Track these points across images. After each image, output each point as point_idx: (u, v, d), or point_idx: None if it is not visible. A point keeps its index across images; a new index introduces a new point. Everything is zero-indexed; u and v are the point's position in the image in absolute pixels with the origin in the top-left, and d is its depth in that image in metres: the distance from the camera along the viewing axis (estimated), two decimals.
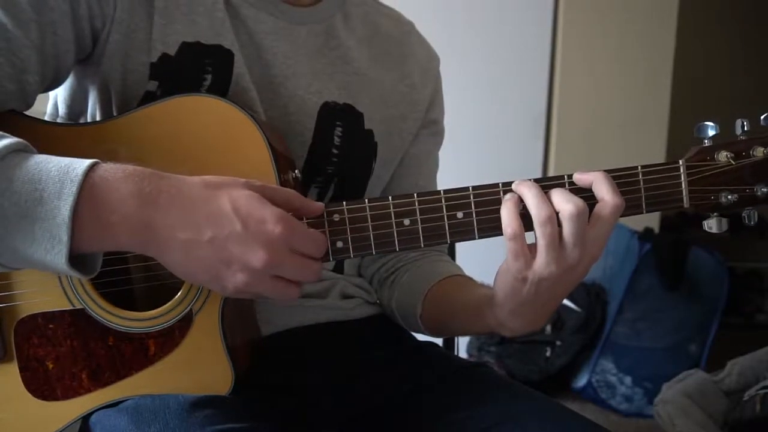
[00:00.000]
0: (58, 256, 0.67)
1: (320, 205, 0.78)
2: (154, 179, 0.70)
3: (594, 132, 2.59)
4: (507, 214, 0.77)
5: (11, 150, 0.68)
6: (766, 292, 3.22)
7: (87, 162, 0.68)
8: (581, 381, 2.39)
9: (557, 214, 0.76)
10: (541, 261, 0.75)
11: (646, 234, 2.49)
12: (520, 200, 0.78)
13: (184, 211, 0.70)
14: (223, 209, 0.70)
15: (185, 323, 0.81)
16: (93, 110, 0.90)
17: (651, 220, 2.62)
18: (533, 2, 2.53)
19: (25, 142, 0.70)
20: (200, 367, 0.82)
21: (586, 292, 2.43)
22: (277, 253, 0.71)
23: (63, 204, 0.66)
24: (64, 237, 0.66)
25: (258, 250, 0.70)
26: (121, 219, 0.68)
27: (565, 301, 2.37)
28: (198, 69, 0.88)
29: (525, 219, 0.77)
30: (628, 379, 2.35)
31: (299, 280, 0.75)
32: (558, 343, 2.42)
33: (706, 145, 0.80)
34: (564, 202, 0.75)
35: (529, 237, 0.78)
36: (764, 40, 3.29)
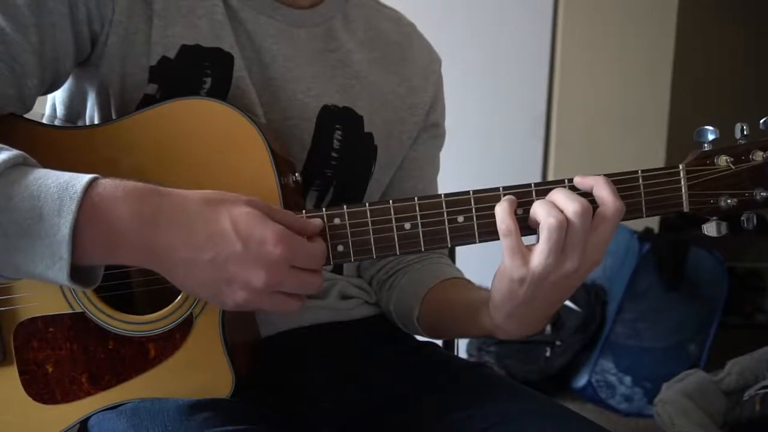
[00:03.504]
0: (59, 272, 0.67)
1: (318, 222, 0.78)
2: (154, 197, 0.70)
3: (594, 132, 2.59)
4: (501, 212, 0.77)
5: (10, 165, 0.68)
6: (766, 292, 3.22)
7: (86, 178, 0.68)
8: (581, 381, 2.40)
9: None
10: (539, 262, 0.75)
11: (646, 234, 2.50)
12: (518, 203, 0.78)
13: (184, 231, 0.70)
14: (224, 229, 0.70)
15: (185, 327, 0.82)
16: (92, 112, 0.89)
17: (651, 220, 2.61)
18: (533, 2, 2.53)
19: (24, 154, 0.70)
20: (200, 371, 0.82)
21: (586, 292, 2.43)
22: (278, 273, 0.71)
23: (63, 222, 0.66)
24: (65, 254, 0.66)
25: (258, 271, 0.70)
26: (121, 238, 0.68)
27: (565, 301, 2.37)
28: (198, 72, 0.88)
29: (522, 222, 0.77)
30: (627, 379, 2.35)
31: (300, 293, 0.76)
32: (558, 343, 2.42)
33: (706, 149, 0.80)
34: (569, 201, 0.75)
35: (527, 240, 0.78)
36: (764, 40, 3.28)
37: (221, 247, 0.70)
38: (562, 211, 0.75)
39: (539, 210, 0.76)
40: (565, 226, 0.74)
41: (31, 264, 0.67)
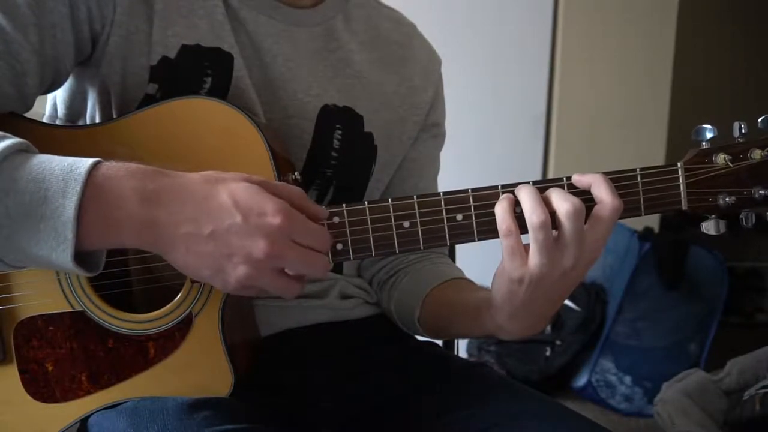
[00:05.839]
0: (63, 254, 0.67)
1: (323, 210, 0.78)
2: (156, 177, 0.71)
3: (594, 132, 2.59)
4: (501, 212, 0.77)
5: (14, 150, 0.69)
6: (766, 292, 3.21)
7: (90, 160, 0.69)
8: (581, 381, 2.39)
9: (554, 213, 0.76)
10: (535, 262, 0.75)
11: (646, 233, 2.49)
12: (516, 201, 0.78)
13: (184, 207, 0.70)
14: (223, 203, 0.71)
15: (185, 325, 0.82)
16: (92, 112, 0.90)
17: (651, 219, 2.61)
18: (533, 2, 2.53)
19: (27, 142, 0.71)
20: (200, 369, 0.82)
21: (586, 291, 2.43)
22: (278, 244, 0.71)
23: (68, 202, 0.66)
24: (70, 235, 0.67)
25: (259, 241, 0.70)
26: (124, 217, 0.69)
27: (565, 301, 2.37)
28: (198, 72, 0.88)
29: (521, 220, 0.77)
30: (627, 379, 2.35)
31: (302, 274, 0.75)
32: (558, 342, 2.42)
33: (704, 147, 0.81)
34: (561, 201, 0.75)
35: (525, 238, 0.78)
36: (764, 40, 3.28)
37: (221, 220, 0.70)
38: (551, 208, 0.76)
39: (525, 207, 0.76)
40: (548, 224, 0.75)
41: (35, 246, 0.68)
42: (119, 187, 0.69)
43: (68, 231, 0.67)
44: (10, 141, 0.69)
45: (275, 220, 0.71)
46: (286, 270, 0.74)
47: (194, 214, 0.70)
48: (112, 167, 0.70)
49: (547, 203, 0.76)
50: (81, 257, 0.69)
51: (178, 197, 0.70)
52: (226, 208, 0.70)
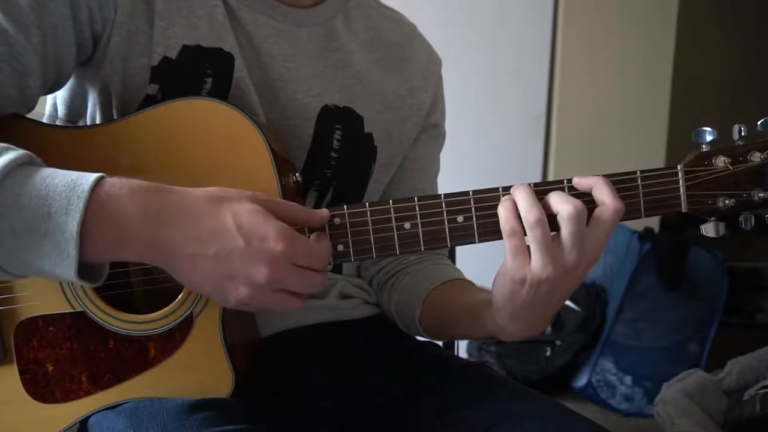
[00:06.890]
0: (67, 269, 0.68)
1: (325, 213, 0.79)
2: (159, 195, 0.71)
3: (594, 132, 2.59)
4: (504, 212, 0.77)
5: (17, 164, 0.69)
6: (766, 292, 3.21)
7: (93, 177, 0.69)
8: (581, 381, 2.39)
9: (555, 215, 0.76)
10: (536, 263, 0.75)
11: (646, 234, 2.49)
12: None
13: (188, 227, 0.70)
14: (226, 225, 0.71)
15: (186, 326, 0.82)
16: (93, 112, 0.90)
17: (651, 220, 2.61)
18: (533, 2, 2.53)
19: (30, 154, 0.71)
20: (201, 370, 0.82)
21: (586, 291, 2.43)
22: (279, 269, 0.72)
23: (71, 220, 0.67)
24: (73, 252, 0.67)
25: (260, 266, 0.71)
26: (127, 235, 0.69)
27: (565, 301, 2.37)
28: (198, 72, 0.88)
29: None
30: (628, 379, 2.35)
31: (303, 292, 0.76)
32: (558, 342, 2.42)
33: (704, 150, 0.81)
34: (562, 203, 0.75)
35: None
36: (764, 40, 3.28)
37: (224, 242, 0.71)
38: (553, 210, 0.76)
39: (520, 206, 0.76)
40: (544, 221, 0.75)
41: (39, 261, 0.68)
42: (122, 205, 0.69)
43: (71, 248, 0.67)
44: (13, 155, 0.69)
45: (277, 246, 0.71)
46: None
47: (198, 234, 0.71)
48: (115, 184, 0.70)
49: (548, 205, 0.77)
50: (84, 269, 0.70)
51: (181, 216, 0.71)
52: (229, 231, 0.71)
